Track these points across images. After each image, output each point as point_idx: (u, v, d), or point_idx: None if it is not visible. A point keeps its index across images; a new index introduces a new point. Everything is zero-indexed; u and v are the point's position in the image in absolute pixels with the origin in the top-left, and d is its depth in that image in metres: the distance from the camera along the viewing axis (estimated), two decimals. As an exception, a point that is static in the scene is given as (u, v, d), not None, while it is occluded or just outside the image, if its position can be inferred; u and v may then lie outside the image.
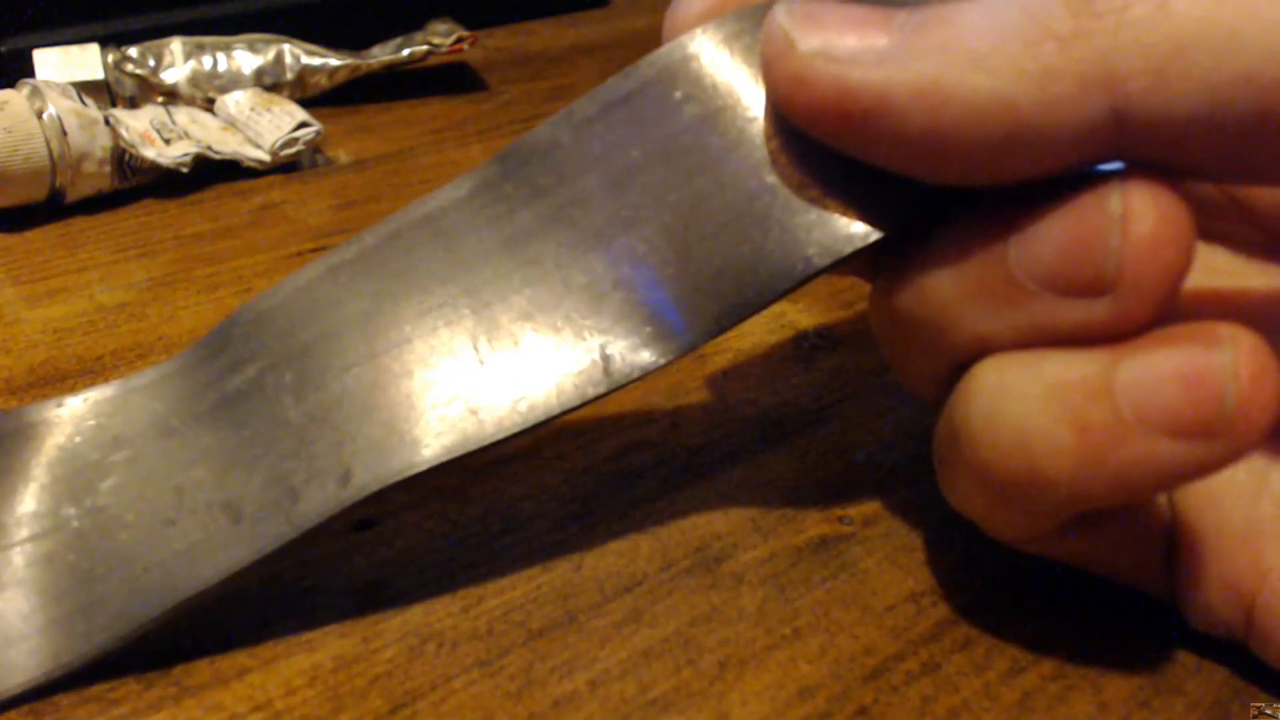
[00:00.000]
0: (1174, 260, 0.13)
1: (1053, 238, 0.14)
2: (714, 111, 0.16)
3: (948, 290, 0.15)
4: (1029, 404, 0.14)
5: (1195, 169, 0.14)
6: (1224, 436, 0.13)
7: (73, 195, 0.30)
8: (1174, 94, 0.13)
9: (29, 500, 0.18)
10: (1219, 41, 0.12)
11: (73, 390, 0.19)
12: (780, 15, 0.15)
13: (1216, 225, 0.18)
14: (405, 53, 0.39)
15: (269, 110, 0.35)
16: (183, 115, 0.35)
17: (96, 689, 0.16)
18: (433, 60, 0.40)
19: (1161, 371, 0.13)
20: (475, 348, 0.17)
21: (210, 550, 0.16)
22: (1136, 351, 0.14)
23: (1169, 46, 0.12)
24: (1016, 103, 0.13)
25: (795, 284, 0.16)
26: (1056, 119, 0.13)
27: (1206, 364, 0.13)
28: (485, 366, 0.17)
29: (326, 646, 0.17)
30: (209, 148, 0.33)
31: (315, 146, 0.35)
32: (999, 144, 0.13)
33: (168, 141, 0.32)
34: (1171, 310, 0.14)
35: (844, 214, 0.15)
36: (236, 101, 0.35)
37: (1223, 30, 0.12)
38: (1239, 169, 0.14)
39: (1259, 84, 0.12)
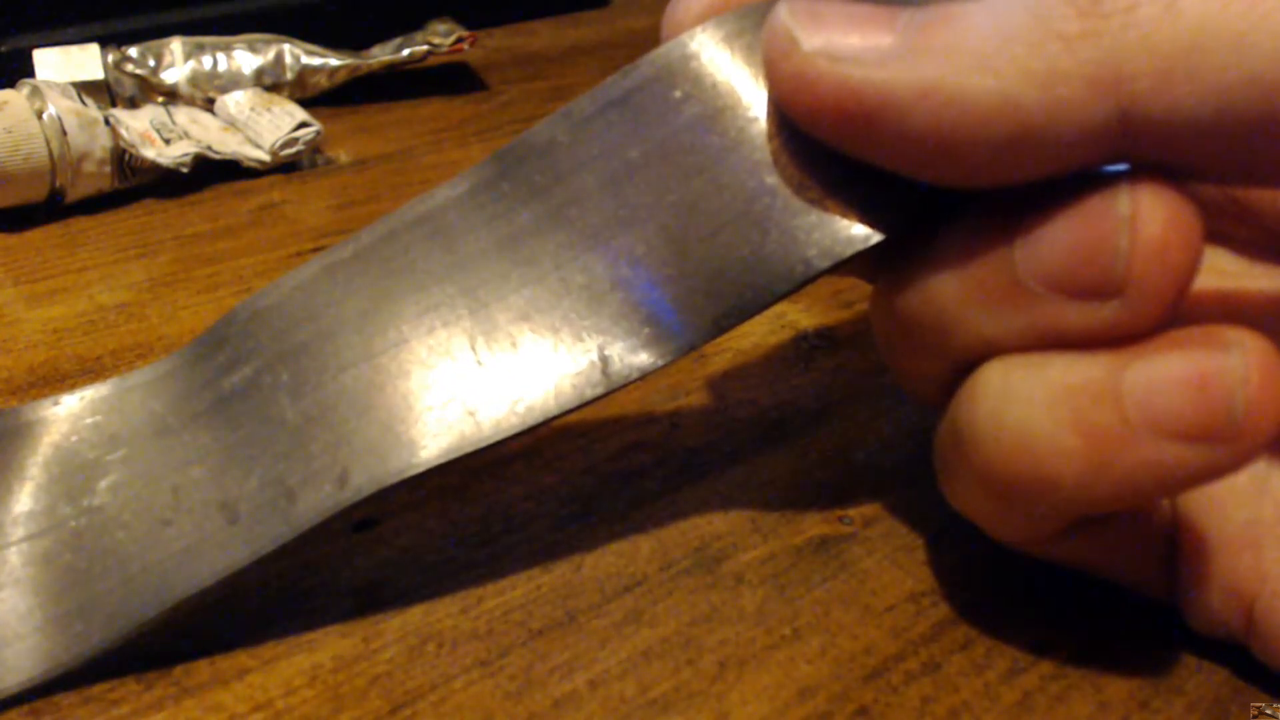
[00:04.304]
0: (1183, 262, 0.13)
1: (1060, 239, 0.14)
2: (714, 111, 0.16)
3: (951, 292, 0.15)
4: (1034, 407, 0.14)
5: (1201, 170, 0.14)
6: (1231, 441, 0.13)
7: (73, 195, 0.30)
8: (1181, 95, 0.12)
9: (25, 499, 0.18)
10: (1226, 43, 0.12)
11: (72, 390, 0.19)
12: (783, 13, 0.15)
13: (1218, 226, 0.18)
14: (405, 53, 0.39)
15: (269, 110, 0.35)
16: (183, 115, 0.35)
17: (96, 689, 0.16)
18: (433, 60, 0.40)
19: (1169, 375, 0.13)
20: (473, 348, 0.17)
21: (207, 551, 0.16)
22: (1143, 355, 0.14)
23: (1176, 48, 0.12)
24: (1021, 104, 0.13)
25: (795, 286, 0.16)
26: (1062, 120, 0.13)
27: (1215, 368, 0.13)
28: (483, 367, 0.17)
29: (326, 646, 0.17)
30: (209, 148, 0.33)
31: (315, 146, 0.35)
32: (1004, 145, 0.13)
33: (168, 141, 0.32)
34: (1176, 312, 0.14)
35: (845, 216, 0.15)
36: (236, 101, 0.35)
37: (1230, 32, 0.12)
38: (1244, 171, 0.14)
39: (1266, 86, 0.12)
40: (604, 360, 0.16)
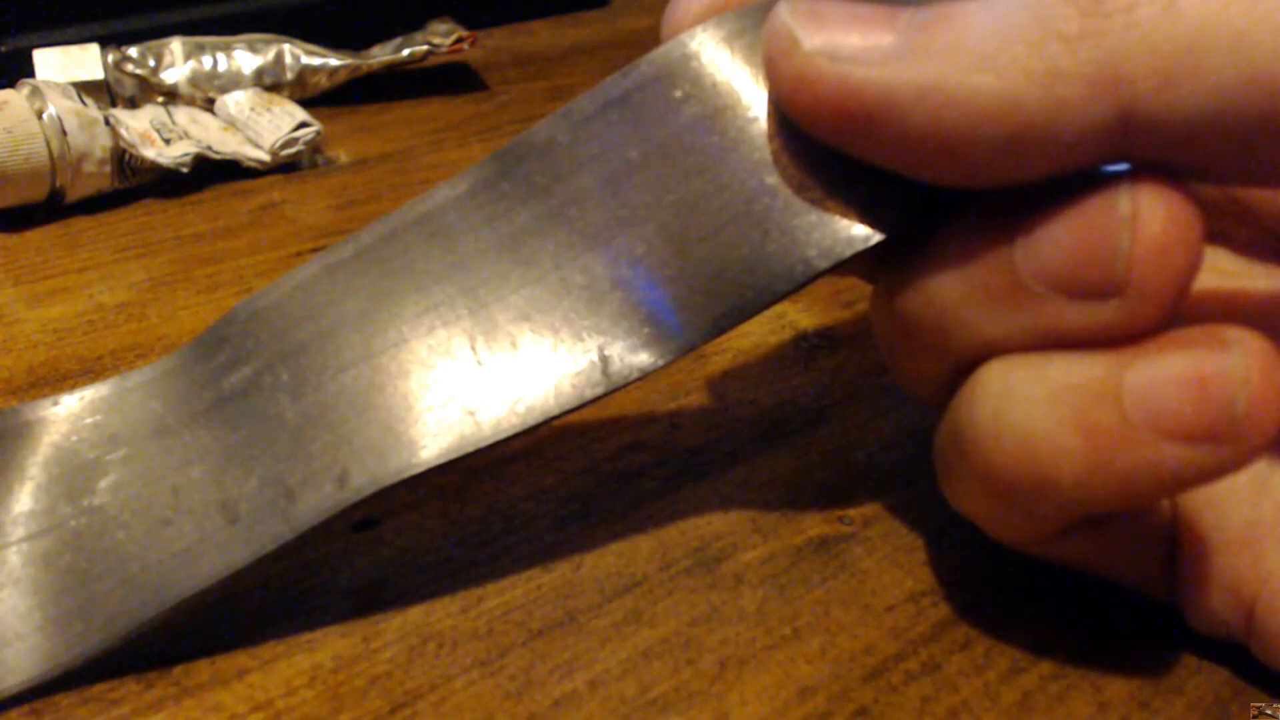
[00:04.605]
0: (1184, 262, 0.13)
1: (1060, 239, 0.14)
2: (714, 111, 0.16)
3: (952, 293, 0.15)
4: (1034, 407, 0.14)
5: (1201, 170, 0.14)
6: (1232, 441, 0.13)
7: (73, 195, 0.30)
8: (1181, 95, 0.12)
9: (25, 499, 0.18)
10: (1227, 43, 0.12)
11: (72, 390, 0.19)
12: (784, 13, 0.15)
13: (1218, 226, 0.18)
14: (405, 53, 0.39)
15: (269, 110, 0.35)
16: (183, 115, 0.35)
17: (96, 689, 0.16)
18: (433, 60, 0.40)
19: (1170, 375, 0.13)
20: (473, 348, 0.17)
21: (207, 551, 0.16)
22: (1144, 355, 0.14)
23: (1176, 47, 0.12)
24: (1022, 104, 0.13)
25: (795, 286, 0.16)
26: (1062, 120, 0.13)
27: (1216, 368, 0.13)
28: (483, 367, 0.17)
29: (326, 646, 0.17)
30: (209, 148, 0.33)
31: (315, 146, 0.35)
32: (1004, 145, 0.13)
33: (168, 141, 0.32)
34: (1176, 312, 0.14)
35: (845, 216, 0.15)
36: (236, 101, 0.35)
37: (1230, 31, 0.12)
38: (1245, 170, 0.14)
39: (1266, 85, 0.12)
40: (604, 360, 0.16)
